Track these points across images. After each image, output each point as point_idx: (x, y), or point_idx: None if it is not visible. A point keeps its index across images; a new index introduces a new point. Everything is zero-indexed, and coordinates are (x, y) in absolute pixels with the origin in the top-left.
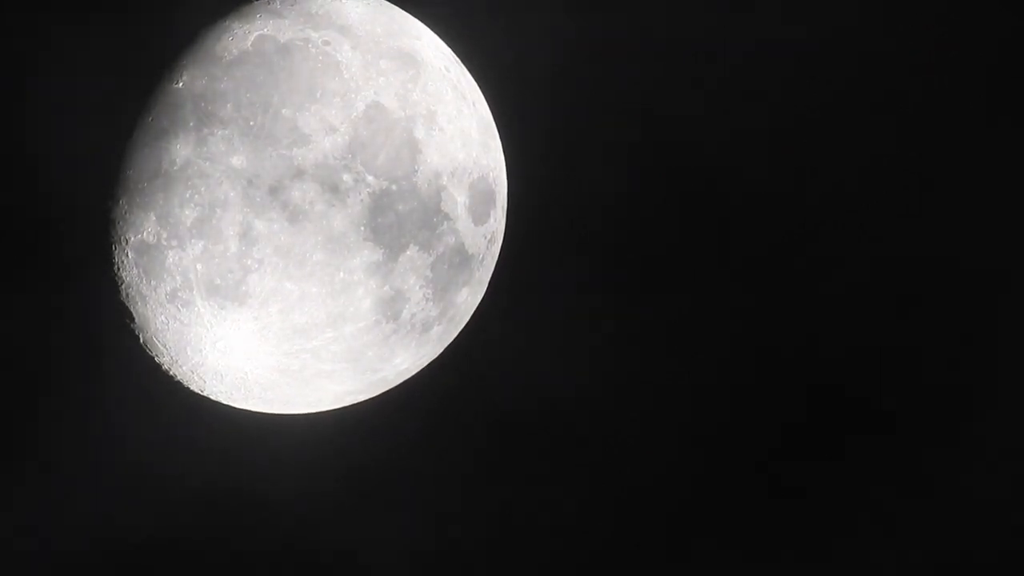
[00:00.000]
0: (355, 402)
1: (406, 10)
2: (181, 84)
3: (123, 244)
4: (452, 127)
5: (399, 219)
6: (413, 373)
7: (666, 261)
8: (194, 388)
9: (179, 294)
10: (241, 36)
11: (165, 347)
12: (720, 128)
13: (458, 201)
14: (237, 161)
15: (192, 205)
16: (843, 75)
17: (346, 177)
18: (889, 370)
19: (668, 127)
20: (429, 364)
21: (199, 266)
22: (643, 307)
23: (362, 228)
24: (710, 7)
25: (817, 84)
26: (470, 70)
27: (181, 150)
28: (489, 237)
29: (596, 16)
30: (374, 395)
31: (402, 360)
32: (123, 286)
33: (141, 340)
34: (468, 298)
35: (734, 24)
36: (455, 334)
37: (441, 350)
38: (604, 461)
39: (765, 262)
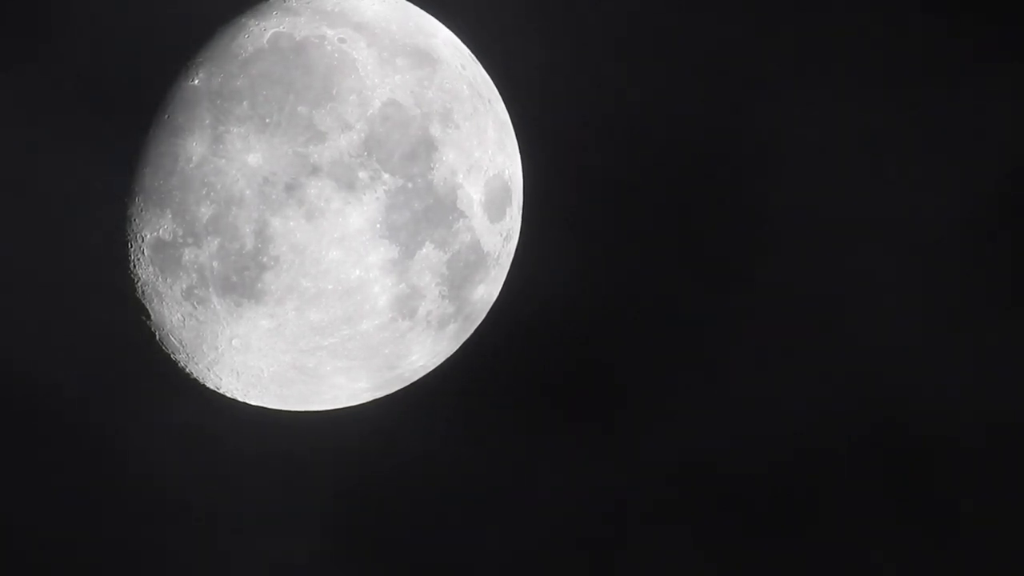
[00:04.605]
0: (371, 399)
1: (422, 7)
2: (197, 81)
3: (139, 241)
4: (468, 125)
5: (415, 217)
6: (429, 370)
7: (679, 260)
8: (210, 385)
9: (195, 291)
10: (257, 34)
11: (181, 344)
12: (736, 129)
13: (474, 199)
14: (253, 159)
15: (208, 202)
16: None
17: (362, 175)
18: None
19: (686, 127)
20: (445, 361)
21: (215, 263)
22: (652, 305)
23: (378, 226)
24: (727, 8)
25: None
26: (486, 68)
27: (197, 148)
28: (505, 235)
29: (613, 15)
30: (390, 392)
31: (418, 357)
32: (139, 283)
33: (157, 337)
34: (484, 296)
35: (745, 24)
36: (471, 331)
37: (457, 347)
38: (613, 461)
39: (769, 257)
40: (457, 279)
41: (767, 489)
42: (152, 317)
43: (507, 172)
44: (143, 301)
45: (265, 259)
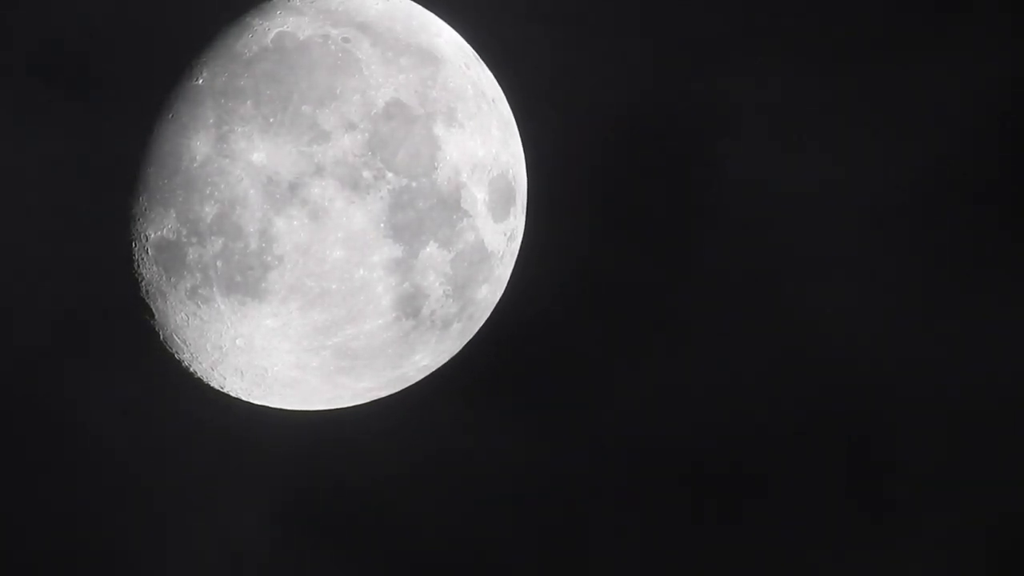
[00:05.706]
0: (374, 399)
1: (426, 7)
2: (201, 81)
3: (143, 241)
4: (472, 124)
5: (419, 216)
6: (433, 370)
7: (682, 259)
8: (214, 385)
9: (199, 291)
10: (261, 33)
11: (185, 344)
12: (742, 127)
13: (478, 198)
14: (257, 158)
15: (212, 202)
16: None
17: (366, 174)
18: None
19: (690, 126)
20: (449, 361)
21: (219, 263)
22: (659, 302)
23: (382, 225)
24: (732, 6)
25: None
26: (490, 67)
27: (201, 147)
28: (509, 234)
29: (617, 14)
30: (393, 392)
31: (422, 357)
32: (143, 283)
33: (161, 337)
34: (488, 295)
35: (752, 24)
36: (475, 331)
37: (461, 347)
38: (615, 460)
39: (776, 256)
40: (461, 278)
41: (765, 487)
42: (156, 317)
43: (511, 171)
44: (147, 301)
45: (269, 258)
